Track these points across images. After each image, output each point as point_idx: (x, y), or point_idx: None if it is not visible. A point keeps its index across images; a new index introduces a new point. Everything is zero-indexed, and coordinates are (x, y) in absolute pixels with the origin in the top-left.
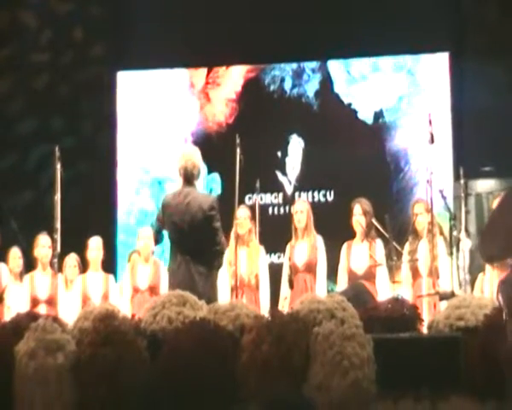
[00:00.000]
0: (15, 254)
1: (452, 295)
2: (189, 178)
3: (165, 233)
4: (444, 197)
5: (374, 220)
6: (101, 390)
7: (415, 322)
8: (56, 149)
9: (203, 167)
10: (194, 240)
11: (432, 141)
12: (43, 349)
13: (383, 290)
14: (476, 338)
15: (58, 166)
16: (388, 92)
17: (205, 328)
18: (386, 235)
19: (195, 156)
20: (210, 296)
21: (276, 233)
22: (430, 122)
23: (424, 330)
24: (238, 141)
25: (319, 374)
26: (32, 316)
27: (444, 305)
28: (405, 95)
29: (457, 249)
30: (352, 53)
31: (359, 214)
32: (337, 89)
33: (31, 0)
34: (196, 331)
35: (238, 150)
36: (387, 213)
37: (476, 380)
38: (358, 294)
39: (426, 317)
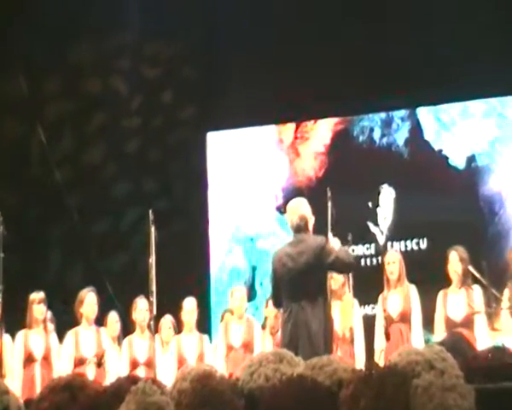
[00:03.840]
0: (113, 318)
1: None
2: (296, 230)
3: (259, 289)
4: None
5: (470, 267)
6: None
7: None
8: (150, 211)
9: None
10: (307, 284)
11: None
12: None
13: (482, 339)
14: None
15: (152, 228)
16: (479, 137)
17: (302, 385)
18: (484, 282)
19: (300, 207)
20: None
21: (368, 284)
22: None
23: None
24: (329, 194)
25: None
26: (131, 379)
27: None
28: (497, 138)
29: None
30: (441, 99)
31: (456, 262)
32: (427, 136)
33: (121, 66)
34: (294, 388)
35: (329, 204)
36: (484, 260)
37: None
38: (457, 343)
39: None
